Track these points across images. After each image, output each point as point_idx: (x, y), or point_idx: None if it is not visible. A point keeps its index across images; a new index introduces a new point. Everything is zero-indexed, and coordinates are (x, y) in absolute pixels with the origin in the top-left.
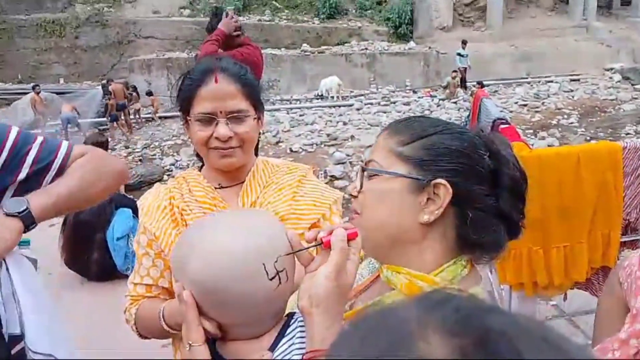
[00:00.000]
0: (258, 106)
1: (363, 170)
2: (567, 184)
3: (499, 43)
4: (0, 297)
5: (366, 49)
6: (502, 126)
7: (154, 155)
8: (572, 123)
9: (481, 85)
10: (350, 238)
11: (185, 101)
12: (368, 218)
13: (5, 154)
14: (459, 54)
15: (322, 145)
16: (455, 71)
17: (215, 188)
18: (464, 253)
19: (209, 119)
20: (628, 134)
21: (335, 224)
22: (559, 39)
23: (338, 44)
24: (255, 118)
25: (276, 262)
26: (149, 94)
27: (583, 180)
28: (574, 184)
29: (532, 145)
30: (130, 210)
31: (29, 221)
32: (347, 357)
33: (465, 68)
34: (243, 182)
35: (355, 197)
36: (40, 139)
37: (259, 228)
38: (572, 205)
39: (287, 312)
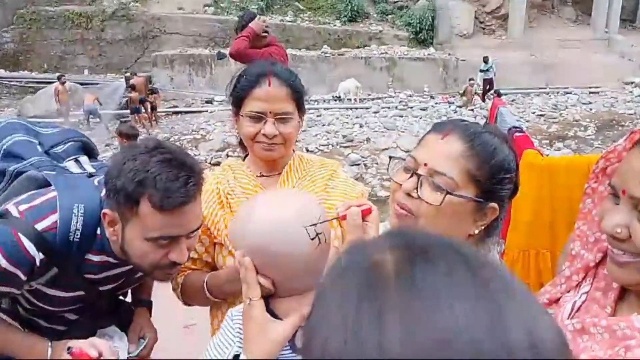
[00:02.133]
0: (301, 109)
1: (431, 178)
2: (576, 191)
3: (519, 52)
4: None
5: (386, 52)
6: (517, 134)
7: None
8: (588, 135)
9: (498, 94)
10: (366, 214)
11: (238, 98)
12: (426, 224)
13: None
14: (481, 70)
15: (338, 146)
16: (472, 79)
17: (257, 176)
18: (478, 246)
19: (259, 117)
20: None
21: None
22: (579, 50)
23: (358, 47)
24: (298, 120)
25: (315, 226)
26: (153, 91)
27: None
28: (582, 190)
29: (547, 155)
30: None
31: None
32: (327, 274)
33: (491, 79)
34: (281, 173)
35: (414, 198)
36: None
37: (298, 201)
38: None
39: None
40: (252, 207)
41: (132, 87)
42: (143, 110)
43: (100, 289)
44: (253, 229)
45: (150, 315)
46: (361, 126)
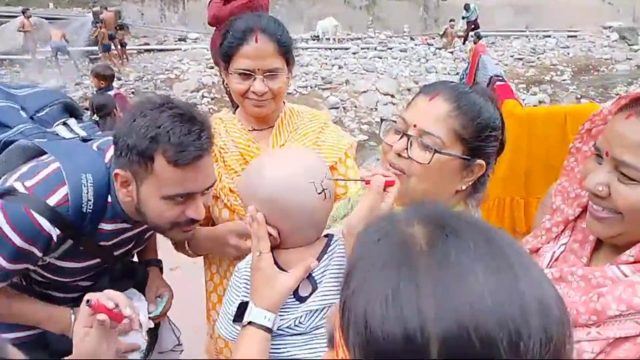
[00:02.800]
0: (290, 62)
1: (419, 137)
2: (553, 141)
3: None
4: None
5: None
6: (498, 83)
7: (147, 88)
8: (564, 80)
9: (479, 37)
10: (388, 185)
11: (226, 55)
12: (420, 183)
13: None
14: (462, 18)
15: (317, 89)
16: (452, 20)
17: (249, 130)
18: (464, 200)
19: (247, 75)
20: (618, 94)
21: (349, 166)
22: None
23: None
24: (287, 73)
25: (322, 182)
26: (121, 27)
27: (567, 138)
28: (559, 141)
29: (524, 100)
30: None
31: None
32: (359, 245)
33: (475, 20)
34: (272, 127)
35: (404, 158)
36: None
37: (306, 159)
38: (556, 160)
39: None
40: (262, 165)
41: (101, 22)
42: (113, 47)
43: (115, 253)
44: (265, 184)
45: (162, 273)
46: (340, 67)
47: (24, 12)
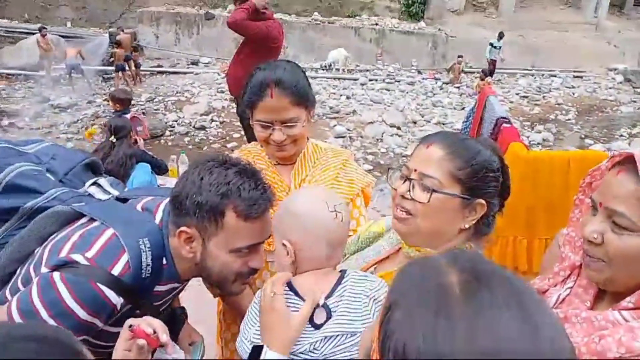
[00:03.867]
0: (308, 106)
1: (420, 180)
2: (557, 185)
3: (508, 31)
4: None
5: (376, 24)
6: (505, 125)
7: (157, 109)
8: (569, 119)
9: (485, 74)
10: None
11: (248, 107)
12: (424, 222)
13: None
14: (491, 45)
15: (324, 117)
16: (460, 56)
17: (274, 164)
18: (470, 240)
19: (267, 126)
20: (622, 135)
21: (357, 206)
22: (567, 33)
23: (349, 16)
24: (306, 117)
25: (336, 205)
26: (135, 49)
27: (570, 183)
28: (562, 184)
29: (528, 137)
30: (149, 166)
31: None
32: (399, 284)
33: (495, 60)
34: (295, 162)
35: (408, 199)
36: None
37: (324, 191)
38: (558, 203)
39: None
40: (290, 197)
41: (118, 44)
42: (127, 68)
43: (160, 310)
44: (289, 204)
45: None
46: (348, 98)
47: (40, 30)
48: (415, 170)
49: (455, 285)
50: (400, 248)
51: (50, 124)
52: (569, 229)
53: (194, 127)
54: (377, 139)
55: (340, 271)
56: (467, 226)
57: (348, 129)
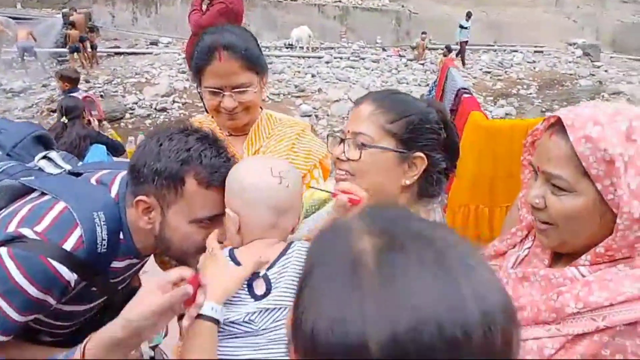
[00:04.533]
0: (260, 72)
1: (353, 139)
2: (516, 153)
3: (470, 8)
4: None
5: (339, 1)
6: (465, 95)
7: (116, 92)
8: (530, 94)
9: (449, 50)
10: (354, 203)
11: (196, 73)
12: (363, 181)
13: None
14: (461, 26)
15: (289, 96)
16: (424, 33)
17: (226, 136)
18: (417, 202)
19: (216, 92)
20: None
21: (314, 177)
22: (528, 9)
23: None
24: (258, 84)
25: (281, 171)
26: (91, 29)
27: None
28: (521, 153)
29: (491, 112)
30: (104, 147)
31: None
32: (311, 254)
33: (466, 41)
34: (248, 133)
35: (344, 160)
36: None
37: (272, 159)
38: (518, 171)
39: None
40: (235, 165)
41: (72, 24)
42: (82, 49)
43: (119, 288)
44: (233, 174)
45: None
46: (313, 76)
47: None
48: (349, 131)
49: (367, 254)
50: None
51: (3, 110)
52: (524, 191)
53: (155, 109)
54: (343, 117)
55: (289, 243)
56: (408, 182)
57: (314, 108)
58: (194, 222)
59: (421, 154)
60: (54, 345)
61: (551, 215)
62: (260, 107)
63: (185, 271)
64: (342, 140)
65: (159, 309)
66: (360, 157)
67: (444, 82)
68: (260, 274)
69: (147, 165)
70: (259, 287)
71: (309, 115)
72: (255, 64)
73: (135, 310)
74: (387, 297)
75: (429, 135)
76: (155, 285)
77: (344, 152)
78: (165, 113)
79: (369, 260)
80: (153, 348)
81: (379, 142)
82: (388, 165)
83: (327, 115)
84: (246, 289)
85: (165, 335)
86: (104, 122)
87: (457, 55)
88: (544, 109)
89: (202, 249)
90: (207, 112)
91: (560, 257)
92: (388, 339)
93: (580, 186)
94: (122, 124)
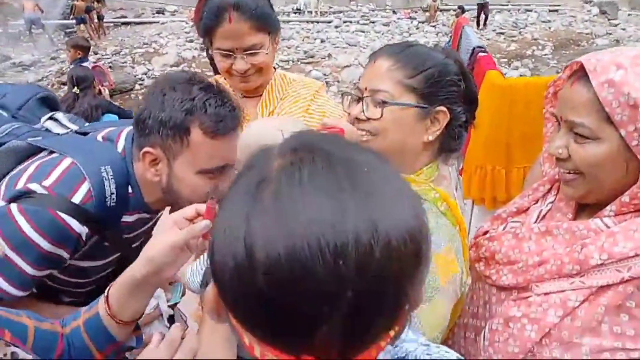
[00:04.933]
0: (272, 30)
1: (371, 97)
2: (534, 112)
3: None
4: None
5: None
6: (481, 54)
7: (125, 62)
8: (545, 54)
9: (462, 10)
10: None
11: (205, 35)
12: (385, 140)
13: None
14: None
15: (299, 62)
16: None
17: (240, 97)
18: (437, 157)
19: (227, 54)
20: None
21: None
22: None
23: None
24: (270, 44)
25: (292, 132)
26: (97, 0)
27: None
28: (540, 111)
29: (505, 74)
30: (116, 117)
31: None
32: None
33: (483, 4)
34: (262, 94)
35: (363, 120)
36: None
37: (283, 118)
38: (536, 131)
39: None
40: (245, 128)
41: None
42: (89, 20)
43: (133, 246)
44: (245, 133)
45: None
46: (322, 41)
47: None
48: (366, 89)
49: (272, 173)
50: None
51: (13, 84)
52: (546, 145)
53: None
54: (354, 83)
55: None
56: (431, 138)
57: (324, 74)
58: (201, 172)
59: (443, 108)
60: (73, 305)
61: (575, 164)
62: (274, 67)
63: (200, 206)
64: (359, 99)
65: (178, 244)
66: (381, 116)
67: (458, 42)
68: None
69: (152, 116)
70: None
71: (319, 81)
72: (266, 23)
73: (154, 248)
74: (275, 213)
75: (449, 88)
76: (171, 221)
77: (363, 111)
78: None
79: (272, 178)
80: (172, 307)
81: (400, 98)
82: (410, 122)
83: (338, 81)
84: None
85: (183, 294)
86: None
87: (477, 16)
88: (559, 70)
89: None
90: (217, 74)
91: (584, 209)
92: (269, 254)
93: (604, 133)
94: (132, 95)
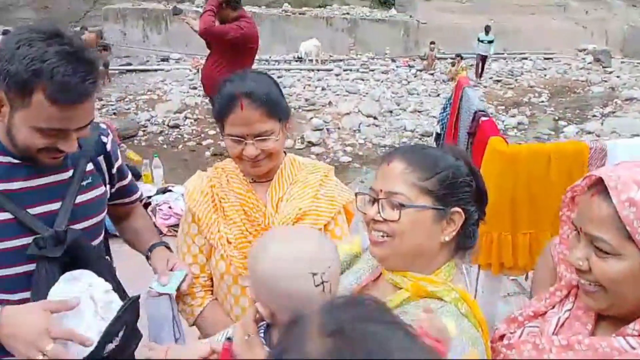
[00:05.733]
0: (283, 117)
1: (387, 199)
2: (538, 179)
3: (478, 17)
4: None
5: (347, 13)
6: (483, 118)
7: (129, 109)
8: (542, 102)
9: (460, 57)
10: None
11: (218, 120)
12: (403, 242)
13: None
14: (479, 40)
15: (300, 110)
16: (432, 42)
17: (250, 182)
18: (454, 256)
19: (239, 140)
20: (594, 116)
21: (338, 224)
22: (536, 16)
23: (319, 6)
24: (281, 130)
25: (324, 273)
26: (104, 48)
27: (552, 176)
28: (543, 178)
29: (503, 122)
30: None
31: None
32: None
33: (485, 57)
34: (272, 179)
35: (380, 221)
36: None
37: (312, 245)
38: (540, 197)
39: None
40: (268, 241)
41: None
42: None
43: (33, 213)
44: (266, 263)
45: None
46: (323, 89)
47: (4, 34)
48: (381, 191)
49: (313, 356)
50: (381, 274)
51: None
52: (562, 246)
53: (167, 125)
54: (355, 130)
55: None
56: (447, 239)
57: (325, 121)
58: (36, 130)
59: (458, 209)
60: None
61: (597, 277)
62: (284, 152)
63: (217, 346)
64: (375, 200)
65: None
66: (399, 218)
67: (459, 101)
68: None
69: (1, 62)
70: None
71: (320, 129)
72: (276, 110)
73: None
74: None
75: (463, 189)
76: None
77: (379, 212)
78: (177, 129)
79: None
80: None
81: (416, 201)
82: (427, 224)
83: (338, 128)
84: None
85: (178, 288)
86: (122, 144)
87: (478, 72)
88: (556, 117)
89: (47, 149)
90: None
91: (604, 321)
92: None
93: (625, 250)
94: (135, 141)
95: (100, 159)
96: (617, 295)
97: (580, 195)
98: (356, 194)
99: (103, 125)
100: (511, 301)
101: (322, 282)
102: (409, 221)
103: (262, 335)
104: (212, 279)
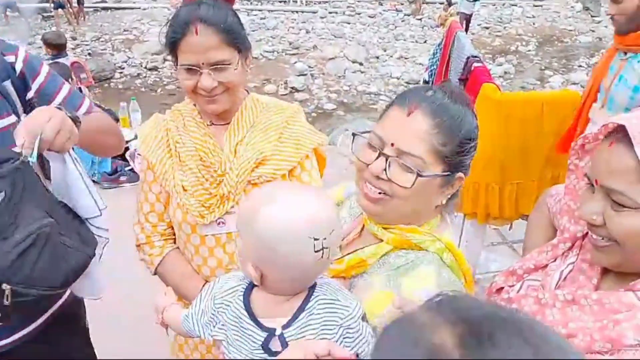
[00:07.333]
0: (242, 49)
1: (398, 158)
2: (530, 127)
3: None
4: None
5: None
6: (476, 65)
7: (104, 49)
8: (529, 50)
9: (450, 4)
10: None
11: (170, 50)
12: (403, 205)
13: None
14: None
15: (284, 54)
16: None
17: (207, 125)
18: (441, 212)
19: (193, 70)
20: (580, 66)
21: (306, 168)
22: None
23: None
24: (240, 62)
25: (324, 239)
26: None
27: (544, 127)
28: (535, 127)
29: (490, 70)
30: None
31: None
32: (380, 349)
33: (470, 15)
34: (231, 122)
35: (384, 179)
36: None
37: (317, 207)
38: (531, 146)
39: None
40: (269, 196)
41: None
42: (68, 4)
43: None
44: (264, 227)
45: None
46: (308, 32)
47: None
48: (392, 145)
49: (449, 348)
50: (364, 226)
51: None
52: (566, 197)
53: (145, 67)
54: (340, 76)
55: (309, 292)
56: (443, 201)
57: (309, 66)
58: None
59: (461, 174)
60: None
61: (611, 232)
62: (247, 91)
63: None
64: (381, 153)
65: None
66: (412, 186)
67: (451, 47)
68: (276, 333)
69: None
70: (274, 344)
71: (305, 74)
72: (235, 38)
73: None
74: None
75: (472, 153)
76: None
77: (385, 170)
78: (156, 72)
79: (453, 353)
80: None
81: (430, 166)
82: (432, 190)
83: (323, 74)
84: (261, 350)
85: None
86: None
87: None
88: (542, 67)
89: None
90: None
91: (608, 273)
92: None
93: None
94: (111, 84)
95: (7, 83)
96: (632, 251)
97: (592, 142)
98: (353, 134)
99: (9, 41)
100: (494, 250)
101: (322, 249)
102: (418, 189)
103: (241, 299)
104: (172, 227)
